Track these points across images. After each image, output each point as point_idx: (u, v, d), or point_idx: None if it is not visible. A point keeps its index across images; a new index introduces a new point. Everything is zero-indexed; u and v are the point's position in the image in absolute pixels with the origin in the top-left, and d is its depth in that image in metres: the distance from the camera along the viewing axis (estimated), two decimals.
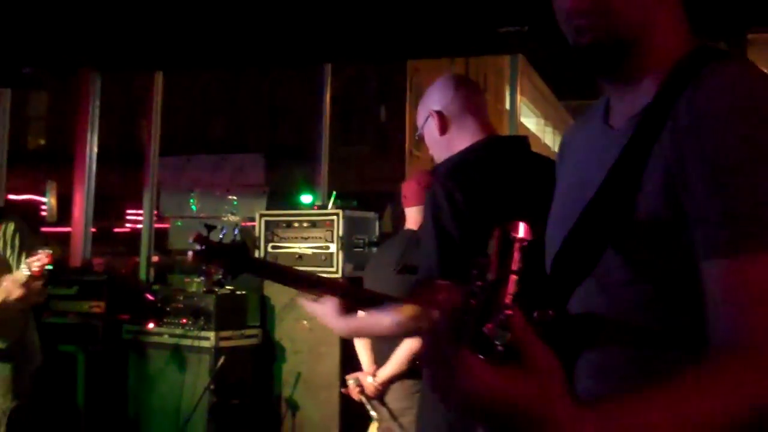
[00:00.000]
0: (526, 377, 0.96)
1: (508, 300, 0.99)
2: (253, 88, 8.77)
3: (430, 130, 2.62)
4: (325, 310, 2.60)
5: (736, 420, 1.06)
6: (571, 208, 1.41)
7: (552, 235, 1.48)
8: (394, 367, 3.91)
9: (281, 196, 7.20)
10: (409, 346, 3.81)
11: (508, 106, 7.31)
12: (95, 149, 7.42)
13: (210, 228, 2.81)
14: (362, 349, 4.13)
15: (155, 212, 7.83)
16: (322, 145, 7.20)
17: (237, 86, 8.78)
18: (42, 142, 20.60)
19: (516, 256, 1.00)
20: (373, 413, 4.01)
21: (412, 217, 4.00)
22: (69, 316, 6.21)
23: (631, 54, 1.36)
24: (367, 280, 4.08)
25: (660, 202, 1.24)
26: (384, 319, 2.51)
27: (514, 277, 0.99)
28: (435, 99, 2.61)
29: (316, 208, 6.11)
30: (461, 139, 2.56)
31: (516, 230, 1.02)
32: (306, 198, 7.35)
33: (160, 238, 7.58)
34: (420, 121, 2.67)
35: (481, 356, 0.97)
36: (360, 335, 2.91)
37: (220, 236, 2.69)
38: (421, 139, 2.76)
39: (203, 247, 2.69)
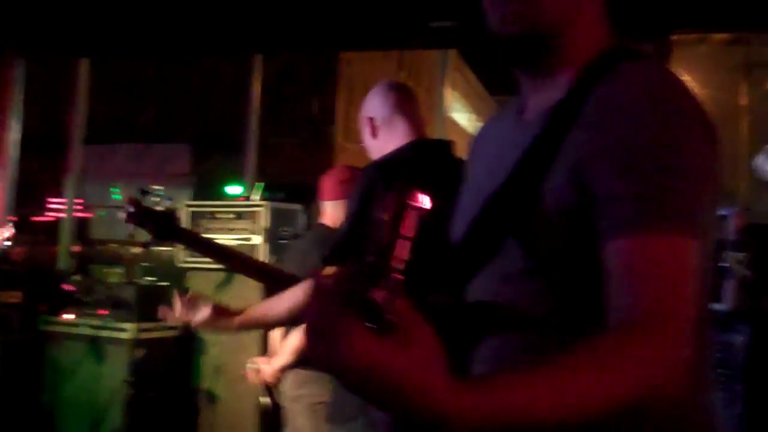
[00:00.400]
0: (407, 350, 0.93)
1: (396, 264, 0.95)
2: (182, 76, 8.63)
3: (365, 134, 2.84)
4: (204, 314, 2.70)
5: (620, 396, 1.04)
6: (476, 198, 1.41)
7: (456, 224, 1.48)
8: (285, 357, 3.89)
9: (208, 187, 7.11)
10: (299, 336, 3.80)
11: (438, 100, 7.31)
12: (18, 135, 7.23)
13: (145, 192, 3.12)
14: (274, 336, 4.12)
15: (79, 201, 7.67)
16: (250, 136, 7.12)
17: (166, 74, 8.63)
18: None
19: (409, 222, 0.97)
20: (263, 399, 4.05)
21: (328, 211, 3.96)
22: None
23: (551, 48, 1.37)
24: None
25: (567, 191, 1.24)
26: (277, 305, 2.68)
27: (405, 242, 0.96)
28: (369, 105, 2.84)
29: (242, 199, 6.04)
30: (391, 142, 2.75)
31: (413, 198, 0.98)
32: (233, 189, 7.26)
33: (83, 228, 7.42)
34: (360, 127, 2.89)
35: (368, 324, 0.94)
36: (250, 326, 2.92)
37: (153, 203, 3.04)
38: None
39: (135, 210, 3.05)
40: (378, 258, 0.96)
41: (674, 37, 6.06)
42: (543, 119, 1.35)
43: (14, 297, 6.11)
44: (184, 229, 4.03)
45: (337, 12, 6.18)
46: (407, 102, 2.83)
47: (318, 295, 0.98)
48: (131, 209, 3.12)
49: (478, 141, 1.63)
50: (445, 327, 1.05)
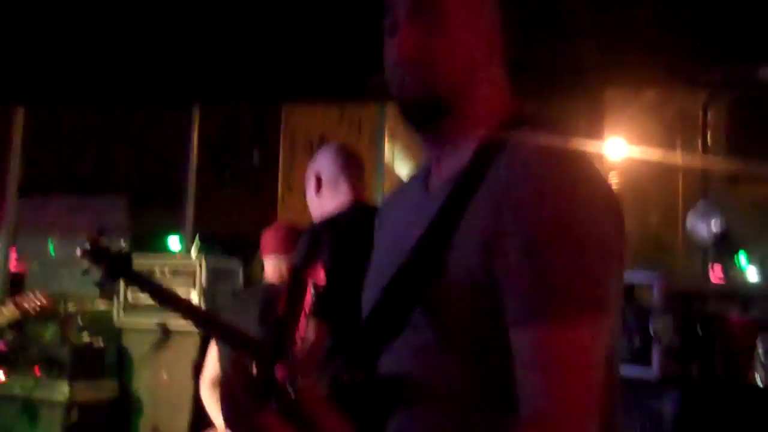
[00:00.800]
0: None
1: (297, 339, 0.98)
2: (120, 126, 8.54)
3: (309, 189, 2.99)
4: None
5: None
6: (383, 270, 1.42)
7: (366, 297, 1.48)
8: None
9: (146, 240, 7.00)
10: None
11: (378, 152, 7.35)
12: None
13: (102, 232, 3.36)
14: (211, 403, 4.05)
15: (14, 254, 7.52)
16: (189, 187, 7.07)
17: (103, 124, 8.53)
18: None
19: (307, 297, 1.00)
20: None
21: (269, 267, 3.94)
22: None
23: (449, 112, 1.39)
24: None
25: (473, 263, 1.25)
26: None
27: (303, 317, 0.99)
28: (318, 162, 3.00)
29: (179, 256, 5.98)
30: (332, 200, 2.91)
31: (311, 273, 1.01)
32: (172, 242, 7.17)
33: (18, 284, 7.26)
34: (305, 181, 3.04)
35: (275, 404, 0.95)
36: None
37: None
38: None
39: (92, 247, 3.17)
40: (277, 333, 0.98)
41: (607, 93, 6.18)
42: (446, 190, 1.36)
43: None
44: (137, 272, 4.09)
45: (277, 64, 6.20)
46: (353, 166, 2.99)
47: (227, 386, 1.01)
48: (87, 246, 3.21)
49: (384, 212, 1.64)
50: (354, 403, 1.08)
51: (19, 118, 7.38)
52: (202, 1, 5.63)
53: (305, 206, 3.08)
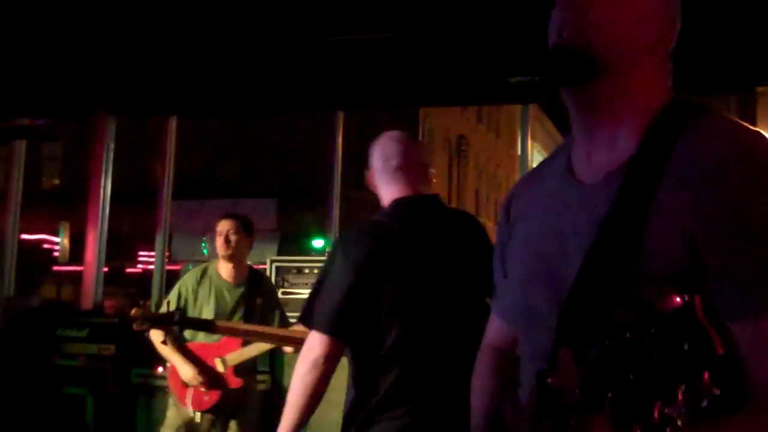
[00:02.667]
0: None
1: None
2: (265, 131, 8.84)
3: (370, 183, 2.85)
4: None
5: None
6: (548, 263, 1.38)
7: (532, 291, 1.43)
8: None
9: (293, 240, 7.23)
10: None
11: (519, 152, 7.34)
12: (108, 191, 7.48)
13: (139, 304, 4.18)
14: None
15: (167, 255, 7.86)
16: (334, 190, 7.23)
17: (249, 130, 8.85)
18: (56, 182, 20.77)
19: None
20: None
21: None
22: (79, 358, 6.23)
23: (605, 75, 1.34)
24: None
25: (677, 255, 1.21)
26: None
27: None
28: (371, 157, 2.83)
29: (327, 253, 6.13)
30: (386, 195, 2.77)
31: None
32: (318, 242, 7.36)
33: (172, 281, 7.59)
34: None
35: None
36: None
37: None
38: None
39: (142, 319, 3.96)
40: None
41: (759, 89, 5.99)
42: (615, 180, 1.30)
43: (107, 350, 6.26)
44: (193, 319, 4.54)
45: (416, 69, 6.28)
46: (404, 155, 2.78)
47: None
48: (139, 322, 3.96)
49: (516, 201, 1.58)
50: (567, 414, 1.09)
51: (172, 127, 7.71)
52: (340, 13, 5.76)
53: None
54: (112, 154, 7.53)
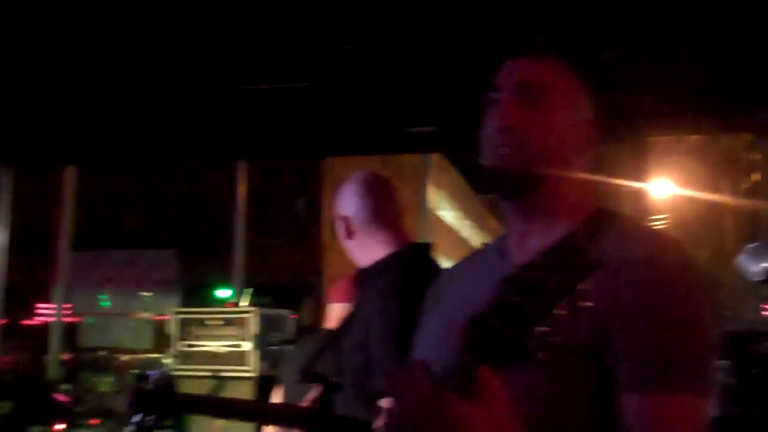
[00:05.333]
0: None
1: None
2: (166, 181, 8.77)
3: (340, 232, 2.60)
4: None
5: None
6: (451, 327, 1.40)
7: (430, 352, 1.49)
8: None
9: (196, 292, 7.15)
10: None
11: (422, 199, 7.44)
12: (5, 241, 7.29)
13: (141, 378, 3.10)
14: None
15: (67, 307, 7.69)
16: (237, 239, 7.20)
17: (150, 179, 8.77)
18: None
19: None
20: None
21: (335, 314, 3.91)
22: None
23: (541, 188, 1.45)
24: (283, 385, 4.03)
25: (583, 330, 1.31)
26: None
27: None
28: (343, 203, 2.58)
29: (230, 305, 6.09)
30: (370, 247, 2.55)
31: None
32: (222, 293, 7.30)
33: (71, 335, 7.43)
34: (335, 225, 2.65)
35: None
36: None
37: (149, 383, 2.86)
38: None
39: (135, 400, 2.83)
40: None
41: (650, 139, 6.22)
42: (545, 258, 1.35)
43: (2, 408, 6.08)
44: (184, 398, 4.09)
45: (316, 119, 6.32)
46: (387, 202, 2.60)
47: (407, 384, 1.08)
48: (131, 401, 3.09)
49: (447, 281, 1.65)
50: None
51: (71, 176, 7.58)
52: (238, 62, 5.77)
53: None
54: (7, 205, 7.34)
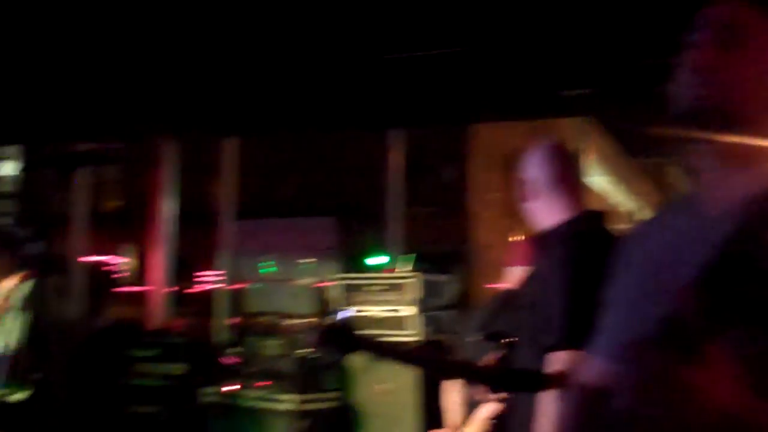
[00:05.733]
0: None
1: None
2: (323, 151, 8.97)
3: (521, 194, 2.76)
4: None
5: None
6: (654, 284, 1.46)
7: (626, 311, 1.52)
8: (478, 427, 3.90)
9: (353, 259, 7.30)
10: (491, 408, 3.81)
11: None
12: (173, 212, 7.60)
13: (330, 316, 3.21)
14: (455, 405, 4.06)
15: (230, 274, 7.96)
16: (391, 207, 7.28)
17: (308, 150, 8.98)
18: (115, 204, 20.98)
19: None
20: None
21: (513, 276, 3.95)
22: (150, 378, 6.37)
23: (735, 127, 1.43)
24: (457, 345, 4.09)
25: None
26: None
27: None
28: (531, 166, 2.74)
29: (388, 270, 6.19)
30: (550, 209, 2.69)
31: None
32: (377, 260, 7.41)
33: (236, 301, 7.73)
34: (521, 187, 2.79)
35: None
36: None
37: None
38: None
39: (325, 335, 2.97)
40: None
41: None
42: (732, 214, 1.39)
43: (178, 369, 6.39)
44: (361, 338, 4.19)
45: (469, 85, 6.34)
46: (569, 170, 2.75)
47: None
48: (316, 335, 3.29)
49: (636, 238, 1.64)
50: None
51: (233, 148, 7.83)
52: (392, 34, 5.84)
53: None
54: (173, 176, 7.66)
